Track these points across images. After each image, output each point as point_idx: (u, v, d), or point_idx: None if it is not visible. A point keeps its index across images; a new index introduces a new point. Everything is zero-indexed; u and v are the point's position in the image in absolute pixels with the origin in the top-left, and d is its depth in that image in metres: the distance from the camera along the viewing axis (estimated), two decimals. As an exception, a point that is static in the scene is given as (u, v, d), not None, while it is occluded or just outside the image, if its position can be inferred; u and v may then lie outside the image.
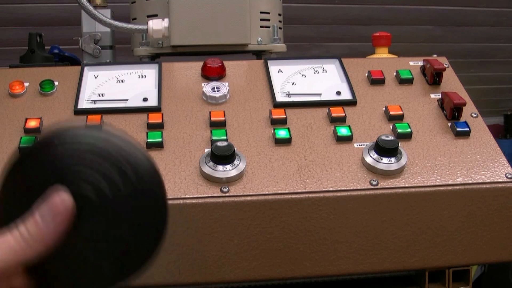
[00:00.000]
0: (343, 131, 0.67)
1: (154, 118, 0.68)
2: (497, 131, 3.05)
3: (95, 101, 0.71)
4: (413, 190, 0.62)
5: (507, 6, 2.35)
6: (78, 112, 0.69)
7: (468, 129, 0.69)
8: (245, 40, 0.83)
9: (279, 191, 0.61)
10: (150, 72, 0.76)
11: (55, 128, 0.41)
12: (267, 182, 0.61)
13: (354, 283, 0.71)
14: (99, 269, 0.40)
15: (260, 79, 0.75)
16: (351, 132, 0.67)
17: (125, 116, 0.69)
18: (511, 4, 2.34)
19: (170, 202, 0.59)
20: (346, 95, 0.73)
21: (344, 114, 0.69)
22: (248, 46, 0.85)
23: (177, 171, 0.62)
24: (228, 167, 0.61)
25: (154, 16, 0.85)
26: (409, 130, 0.68)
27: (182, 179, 0.61)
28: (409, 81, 0.76)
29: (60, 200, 0.38)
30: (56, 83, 0.73)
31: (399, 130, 0.68)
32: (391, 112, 0.70)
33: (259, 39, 0.87)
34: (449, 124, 0.70)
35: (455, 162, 0.65)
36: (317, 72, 0.77)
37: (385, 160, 0.63)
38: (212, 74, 0.75)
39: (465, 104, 0.70)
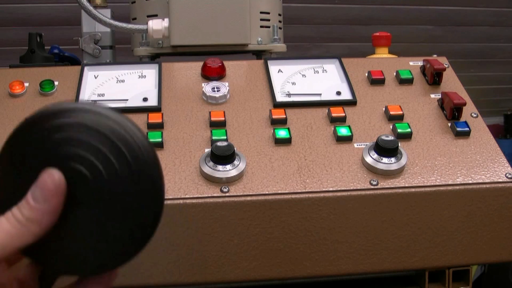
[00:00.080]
0: (343, 131, 0.67)
1: (154, 118, 0.68)
2: (497, 131, 3.05)
3: (95, 101, 0.71)
4: (413, 190, 0.62)
5: (507, 6, 2.35)
6: (78, 112, 0.69)
7: (468, 129, 0.69)
8: (245, 40, 0.83)
9: (279, 191, 0.61)
10: (150, 72, 0.76)
11: (49, 106, 0.40)
12: (267, 182, 0.62)
13: (354, 283, 0.71)
14: (97, 249, 0.39)
15: (260, 79, 0.75)
16: (351, 132, 0.67)
17: (125, 116, 0.69)
18: (511, 4, 2.34)
19: (170, 202, 0.59)
20: (346, 95, 0.73)
21: (344, 114, 0.69)
22: (248, 46, 0.85)
23: (177, 171, 0.62)
24: (228, 167, 0.61)
25: (154, 16, 0.85)
26: (409, 130, 0.68)
27: (182, 179, 0.61)
28: (409, 81, 0.76)
29: (49, 176, 0.37)
30: (56, 83, 0.73)
31: (399, 130, 0.68)
32: (391, 112, 0.70)
33: (259, 39, 0.87)
34: (449, 124, 0.70)
35: (455, 162, 0.65)
36: (317, 72, 0.77)
37: (385, 160, 0.63)
38: (212, 74, 0.75)
39: (465, 104, 0.70)
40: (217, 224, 0.60)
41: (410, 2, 2.23)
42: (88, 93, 0.72)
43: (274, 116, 0.68)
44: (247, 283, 0.65)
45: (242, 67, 0.78)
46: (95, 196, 0.38)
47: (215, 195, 0.60)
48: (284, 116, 0.69)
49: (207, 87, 0.72)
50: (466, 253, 0.64)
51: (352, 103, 0.72)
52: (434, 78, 0.75)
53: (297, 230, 0.61)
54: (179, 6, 0.80)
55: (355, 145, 0.67)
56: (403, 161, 0.63)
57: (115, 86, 0.73)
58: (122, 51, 1.04)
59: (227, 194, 0.60)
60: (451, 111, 0.70)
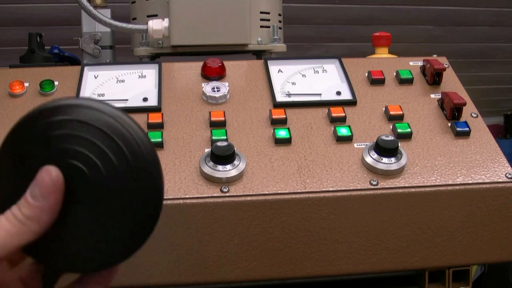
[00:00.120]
0: (343, 131, 0.67)
1: (154, 118, 0.68)
2: (497, 131, 3.05)
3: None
4: (413, 190, 0.62)
5: (507, 6, 2.35)
6: (78, 112, 0.69)
7: (468, 129, 0.69)
8: (245, 40, 0.83)
9: (279, 191, 0.61)
10: (150, 72, 0.76)
11: (46, 103, 0.39)
12: (267, 182, 0.62)
13: (354, 283, 0.71)
14: (97, 246, 0.39)
15: (260, 79, 0.75)
16: (351, 132, 0.67)
17: (125, 116, 0.69)
18: (511, 4, 2.34)
19: (170, 202, 0.59)
20: (346, 95, 0.73)
21: (344, 114, 0.69)
22: (248, 46, 0.85)
23: (177, 171, 0.62)
24: (228, 167, 0.61)
25: (154, 16, 0.85)
26: (409, 130, 0.68)
27: (182, 179, 0.61)
28: (409, 81, 0.76)
29: (47, 174, 0.38)
30: (56, 83, 0.73)
31: (399, 130, 0.68)
32: (391, 112, 0.70)
33: (259, 39, 0.87)
34: (449, 124, 0.70)
35: (455, 162, 0.65)
36: (317, 72, 0.77)
37: (385, 160, 0.63)
38: (212, 74, 0.75)
39: (465, 104, 0.70)
40: (217, 224, 0.60)
41: (410, 2, 2.23)
42: (88, 93, 0.72)
43: (274, 116, 0.68)
44: (247, 283, 0.65)
45: (242, 67, 0.78)
46: (94, 192, 0.38)
47: (215, 195, 0.60)
48: (284, 116, 0.69)
49: (207, 87, 0.72)
50: (466, 253, 0.64)
51: (352, 103, 0.72)
52: (434, 78, 0.75)
53: (297, 230, 0.61)
54: (179, 6, 0.80)
55: (355, 145, 0.67)
56: (403, 161, 0.63)
57: (115, 86, 0.73)
58: (122, 51, 1.04)
59: (227, 194, 0.60)
60: (451, 111, 0.70)
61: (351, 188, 0.62)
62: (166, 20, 0.81)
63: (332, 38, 2.35)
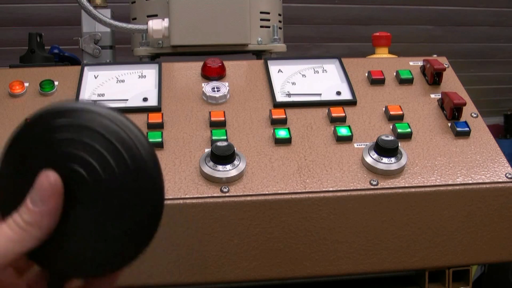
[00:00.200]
0: (343, 131, 0.67)
1: (154, 118, 0.68)
2: (497, 131, 3.05)
3: (95, 101, 0.71)
4: (413, 190, 0.62)
5: (507, 6, 2.35)
6: (78, 112, 0.69)
7: (468, 129, 0.69)
8: (245, 40, 0.83)
9: (279, 191, 0.61)
10: (150, 72, 0.76)
11: (47, 106, 0.40)
12: (267, 182, 0.61)
13: (354, 283, 0.71)
14: (100, 250, 0.39)
15: (260, 79, 0.75)
16: (351, 132, 0.67)
17: (125, 116, 0.69)
18: (511, 4, 2.34)
19: (170, 202, 0.59)
20: (346, 95, 0.73)
21: (344, 114, 0.69)
22: (248, 46, 0.85)
23: (177, 171, 0.62)
24: (228, 167, 0.61)
25: (154, 16, 0.85)
26: (409, 130, 0.68)
27: (182, 179, 0.61)
28: (409, 81, 0.76)
29: (45, 178, 0.38)
30: (56, 83, 0.73)
31: (399, 130, 0.68)
32: (391, 112, 0.70)
33: (259, 39, 0.87)
34: (449, 124, 0.70)
35: (455, 162, 0.65)
36: (317, 72, 0.77)
37: (385, 160, 0.63)
38: (212, 74, 0.75)
39: (465, 104, 0.70)
40: (217, 224, 0.60)
41: (410, 2, 2.23)
42: (88, 93, 0.72)
43: (274, 116, 0.68)
44: (247, 283, 0.65)
45: (242, 67, 0.78)
46: (94, 196, 0.38)
47: (215, 195, 0.60)
48: (284, 116, 0.69)
49: (207, 87, 0.72)
50: (466, 253, 0.64)
51: (352, 103, 0.72)
52: (434, 78, 0.75)
53: (297, 230, 0.61)
54: (179, 6, 0.80)
55: (355, 145, 0.67)
56: (403, 161, 0.63)
57: (115, 86, 0.73)
58: (122, 51, 1.04)
59: (227, 194, 0.60)
60: (451, 111, 0.70)
61: (351, 188, 0.62)
62: (166, 20, 0.81)
63: (332, 38, 2.35)
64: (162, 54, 0.88)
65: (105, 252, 0.39)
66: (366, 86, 0.75)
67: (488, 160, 0.66)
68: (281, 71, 0.76)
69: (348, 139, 0.67)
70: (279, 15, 0.92)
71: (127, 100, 0.71)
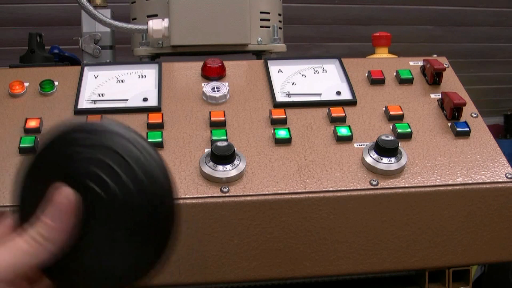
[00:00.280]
0: (343, 131, 0.67)
1: (154, 118, 0.68)
2: (497, 131, 3.05)
3: (95, 101, 0.71)
4: (413, 190, 0.62)
5: (507, 6, 2.35)
6: (78, 112, 0.69)
7: (468, 129, 0.69)
8: (245, 40, 0.83)
9: (279, 191, 0.61)
10: (150, 72, 0.76)
11: (64, 125, 0.41)
12: (267, 182, 0.62)
13: (354, 283, 0.71)
14: (111, 267, 0.40)
15: (260, 79, 0.75)
16: (351, 132, 0.67)
17: (125, 116, 0.69)
18: (511, 4, 2.34)
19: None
20: (346, 95, 0.73)
21: (344, 114, 0.69)
22: (248, 46, 0.85)
23: (177, 171, 0.62)
24: (228, 167, 0.61)
25: (154, 16, 0.85)
26: (409, 130, 0.68)
27: (182, 179, 0.61)
28: (409, 81, 0.76)
29: (63, 195, 0.39)
30: (56, 83, 0.73)
31: (399, 130, 0.68)
32: (391, 112, 0.70)
33: (259, 39, 0.87)
34: (449, 124, 0.70)
35: (455, 162, 0.65)
36: (317, 72, 0.77)
37: (385, 160, 0.63)
38: (212, 74, 0.75)
39: (465, 104, 0.70)
40: (217, 224, 0.60)
41: (410, 2, 2.23)
42: (88, 93, 0.72)
43: (274, 116, 0.68)
44: (247, 283, 0.65)
45: (242, 67, 0.78)
46: (109, 213, 0.40)
47: (215, 195, 0.60)
48: (284, 116, 0.69)
49: (207, 87, 0.72)
50: (466, 253, 0.64)
51: (352, 103, 0.72)
52: (434, 78, 0.75)
53: (297, 230, 0.61)
54: (179, 6, 0.80)
55: (355, 145, 0.67)
56: (403, 161, 0.63)
57: (115, 86, 0.73)
58: (122, 51, 1.04)
59: (227, 194, 0.60)
60: (451, 111, 0.70)
61: (351, 188, 0.62)
62: (166, 20, 0.81)
63: (332, 38, 2.35)
64: (162, 54, 0.88)
65: (117, 267, 0.40)
66: (366, 86, 0.75)
67: (488, 160, 0.66)
68: (281, 71, 0.76)
69: (348, 139, 0.67)
70: (279, 15, 0.92)
71: (127, 100, 0.71)
